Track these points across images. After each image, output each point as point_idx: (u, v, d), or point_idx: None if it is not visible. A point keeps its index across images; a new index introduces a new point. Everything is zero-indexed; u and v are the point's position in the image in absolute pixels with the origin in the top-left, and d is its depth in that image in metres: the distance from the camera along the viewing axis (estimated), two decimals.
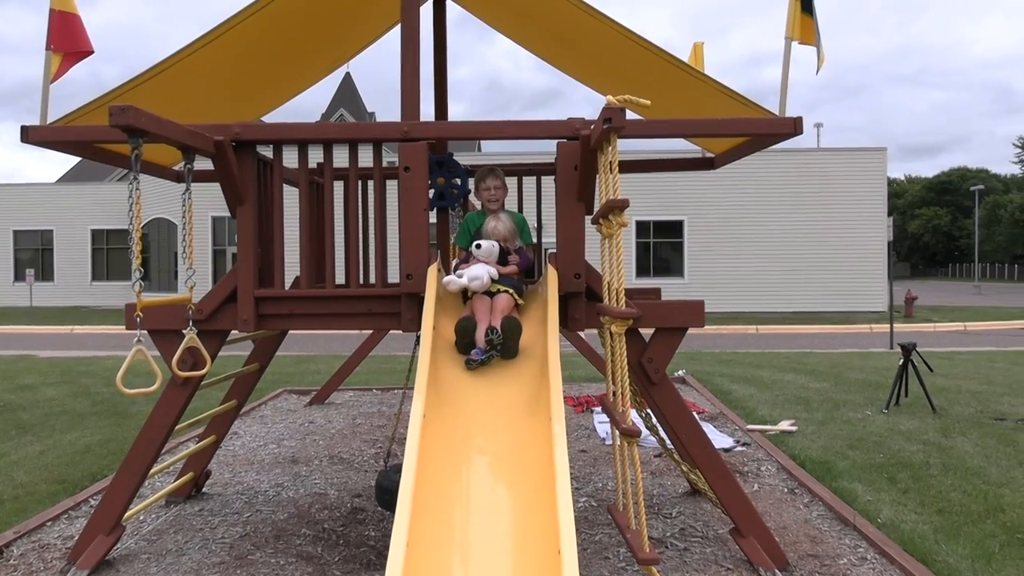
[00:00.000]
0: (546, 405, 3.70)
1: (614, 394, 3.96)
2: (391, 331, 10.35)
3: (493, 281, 4.39)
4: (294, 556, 5.06)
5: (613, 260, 4.08)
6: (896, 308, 19.80)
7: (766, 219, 28.46)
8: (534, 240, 4.97)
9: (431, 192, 5.18)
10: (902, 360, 9.08)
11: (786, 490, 6.32)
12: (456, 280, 4.34)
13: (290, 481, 6.72)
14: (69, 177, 42.56)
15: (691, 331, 5.55)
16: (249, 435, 8.46)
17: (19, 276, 33.65)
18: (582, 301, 4.65)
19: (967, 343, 18.71)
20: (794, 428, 8.16)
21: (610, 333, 4.11)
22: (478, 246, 4.48)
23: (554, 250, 4.67)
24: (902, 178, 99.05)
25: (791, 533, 5.35)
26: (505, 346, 4.14)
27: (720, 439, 7.68)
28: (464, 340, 4.16)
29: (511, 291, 4.42)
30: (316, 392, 10.42)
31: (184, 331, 4.41)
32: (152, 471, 5.22)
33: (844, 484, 6.34)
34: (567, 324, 4.64)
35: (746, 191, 28.31)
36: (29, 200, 34.13)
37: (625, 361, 3.80)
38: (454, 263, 4.87)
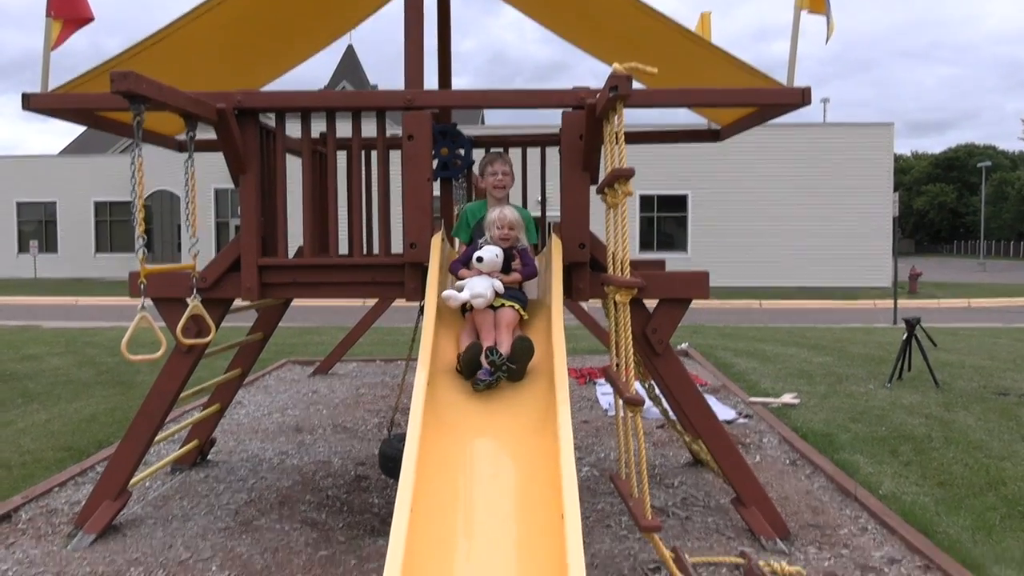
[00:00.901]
0: (550, 379, 3.70)
1: (618, 365, 3.97)
2: (394, 304, 10.41)
3: (497, 295, 4.11)
4: (299, 522, 5.10)
5: (618, 230, 4.06)
6: (900, 284, 19.78)
7: (770, 194, 28.37)
8: (536, 241, 4.75)
9: (435, 162, 5.16)
10: (906, 335, 9.07)
11: (788, 462, 6.34)
12: (457, 296, 4.03)
13: (294, 449, 6.76)
14: (72, 149, 42.48)
15: (694, 305, 5.54)
16: (253, 404, 8.51)
17: (23, 248, 33.68)
18: (586, 271, 4.64)
19: (971, 319, 18.70)
20: (796, 401, 8.18)
21: (614, 303, 4.10)
22: (479, 259, 4.12)
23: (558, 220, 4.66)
24: (909, 154, 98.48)
25: (792, 504, 5.38)
26: (514, 370, 3.85)
27: (723, 411, 7.70)
28: (471, 369, 3.85)
29: (516, 305, 4.13)
30: (320, 363, 10.46)
31: (188, 299, 4.41)
32: (157, 439, 5.25)
33: (846, 456, 6.36)
34: (571, 294, 4.64)
35: (751, 166, 28.18)
36: (32, 172, 34.08)
37: (629, 331, 3.80)
38: (458, 248, 4.69)
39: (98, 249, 34.02)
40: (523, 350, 3.86)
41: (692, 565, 4.21)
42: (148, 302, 4.18)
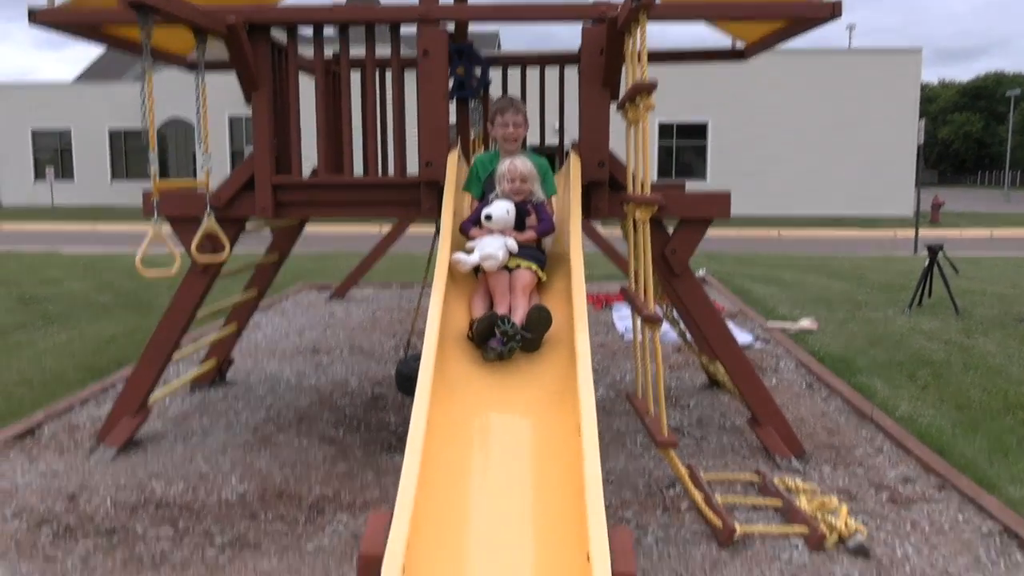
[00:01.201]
0: (570, 347, 3.39)
1: (635, 283, 3.92)
2: (411, 232, 10.36)
3: (511, 255, 3.80)
4: (316, 438, 5.16)
5: (639, 147, 3.97)
6: (922, 214, 19.48)
7: (792, 122, 27.84)
8: (557, 191, 4.35)
9: (450, 82, 5.04)
10: (928, 260, 8.96)
11: (804, 385, 6.33)
12: (467, 259, 3.74)
13: (312, 370, 6.82)
14: (86, 77, 42.14)
15: (712, 234, 5.47)
16: (271, 327, 8.56)
17: (39, 175, 33.71)
18: (605, 191, 4.57)
19: (993, 249, 18.46)
20: (814, 326, 8.14)
21: (633, 222, 4.04)
22: (488, 217, 3.81)
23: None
24: (935, 83, 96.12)
25: (808, 425, 5.38)
26: (529, 340, 3.53)
27: (740, 336, 7.67)
28: (484, 340, 3.55)
29: (533, 266, 3.81)
30: (336, 287, 10.48)
31: (202, 217, 4.37)
32: (175, 358, 5.29)
33: (863, 380, 6.34)
34: (589, 213, 4.58)
35: (773, 94, 27.60)
36: (46, 100, 33.88)
37: (649, 250, 3.74)
38: (470, 204, 4.30)
39: (114, 176, 34.02)
40: (539, 320, 3.53)
41: (707, 482, 4.24)
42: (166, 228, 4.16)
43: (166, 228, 3.97)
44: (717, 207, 4.59)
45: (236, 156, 30.79)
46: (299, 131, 4.76)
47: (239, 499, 4.30)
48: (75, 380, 6.52)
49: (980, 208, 35.58)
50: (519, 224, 3.88)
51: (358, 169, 4.77)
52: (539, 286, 3.85)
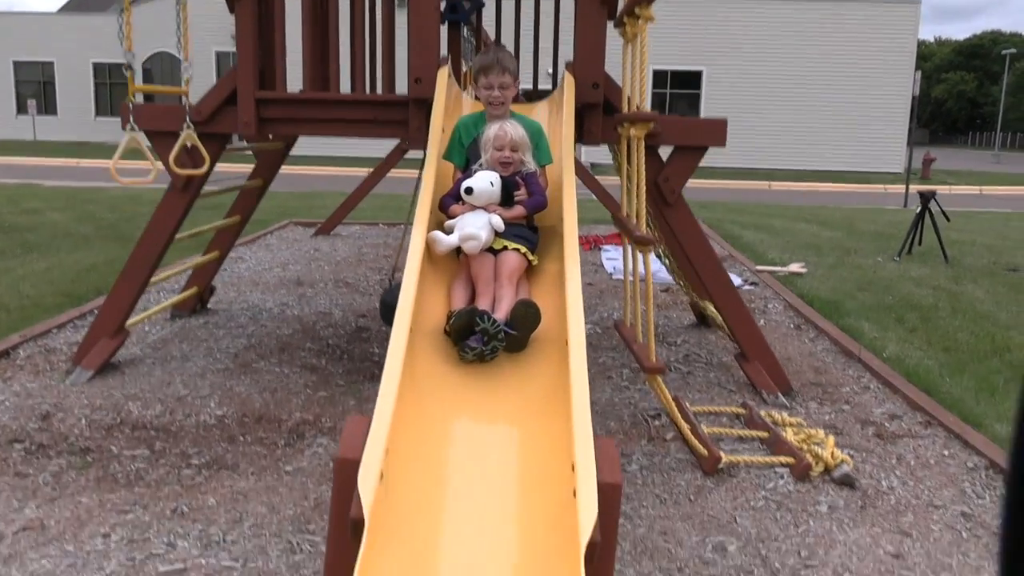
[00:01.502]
0: (561, 288, 3.01)
1: (628, 207, 3.82)
2: (395, 175, 10.17)
3: (497, 235, 3.26)
4: (298, 366, 5.08)
5: (635, 67, 3.84)
6: (913, 170, 19.35)
7: (787, 73, 27.52)
8: (550, 160, 3.69)
9: (442, 4, 4.87)
10: (919, 207, 8.89)
11: (792, 326, 6.29)
12: (444, 239, 3.18)
13: (295, 301, 6.71)
14: (70, 8, 41.11)
15: (703, 184, 5.37)
16: (254, 260, 8.43)
17: (21, 109, 33.04)
18: (599, 114, 4.43)
19: (983, 205, 18.42)
20: (803, 270, 8.08)
21: (627, 142, 3.93)
22: (469, 191, 3.26)
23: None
24: (931, 40, 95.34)
25: (795, 364, 5.34)
26: (514, 339, 2.92)
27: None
28: (462, 337, 2.90)
29: (522, 248, 3.26)
30: (322, 223, 10.32)
31: (181, 129, 4.22)
32: (154, 280, 5.17)
33: (851, 322, 6.30)
34: (582, 138, 4.45)
35: (769, 44, 27.23)
36: (28, 30, 33.04)
37: (643, 169, 3.64)
38: (454, 176, 3.67)
39: (98, 112, 33.40)
40: (526, 317, 2.94)
41: (693, 414, 4.19)
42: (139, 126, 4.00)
43: (144, 136, 3.81)
44: (713, 134, 4.48)
45: None
46: (284, 45, 4.59)
47: (217, 422, 4.22)
48: (53, 306, 6.38)
49: (970, 167, 35.51)
50: (506, 199, 3.33)
51: (345, 88, 4.61)
52: (529, 269, 3.31)
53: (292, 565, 2.89)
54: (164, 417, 4.26)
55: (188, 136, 4.06)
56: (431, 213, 3.33)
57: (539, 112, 4.53)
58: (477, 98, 3.92)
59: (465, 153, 3.66)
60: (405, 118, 4.46)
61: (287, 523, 3.18)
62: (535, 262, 3.32)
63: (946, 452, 4.02)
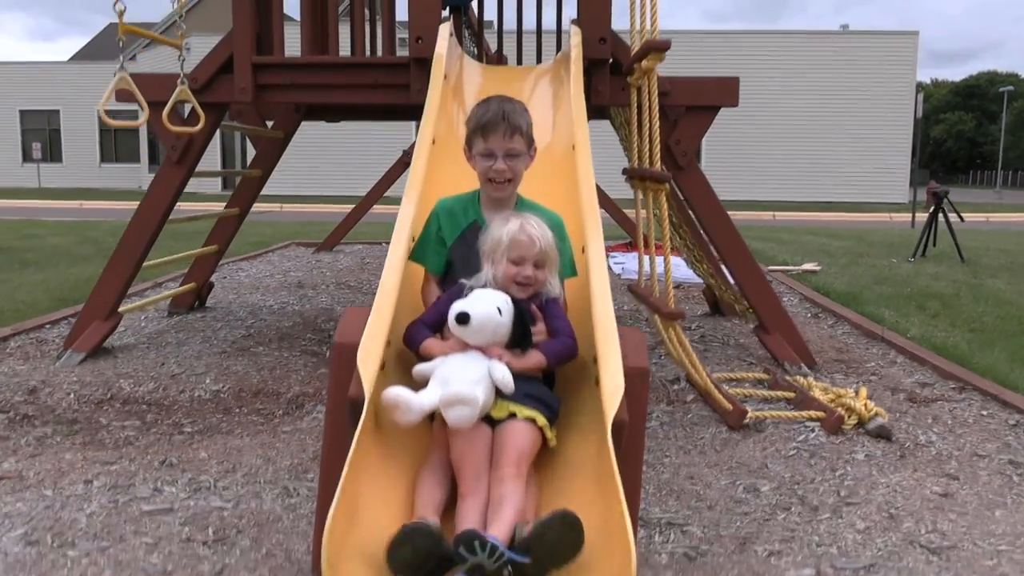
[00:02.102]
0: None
1: (640, 144, 3.66)
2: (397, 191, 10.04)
3: (500, 397, 2.13)
4: (299, 351, 4.87)
5: (645, 13, 3.72)
6: (918, 202, 19.22)
7: (787, 105, 27.61)
8: (572, 272, 2.57)
9: None
10: (933, 207, 8.73)
11: (809, 315, 6.07)
12: (415, 402, 2.02)
13: (296, 301, 6.52)
14: (79, 58, 41.64)
15: None
16: (255, 271, 8.26)
17: (27, 157, 33.24)
18: (606, 72, 4.29)
19: (990, 230, 18.27)
20: (818, 268, 7.89)
21: (637, 92, 3.79)
22: (464, 318, 2.14)
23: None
24: (928, 82, 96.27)
25: (814, 345, 5.09)
26: (527, 572, 1.83)
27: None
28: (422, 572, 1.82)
29: (536, 417, 2.13)
30: (323, 240, 10.17)
31: (177, 84, 4.06)
32: (148, 264, 4.99)
33: (871, 310, 6.08)
34: (589, 97, 4.29)
35: (767, 76, 27.37)
36: (36, 79, 33.39)
37: (656, 107, 3.48)
38: (424, 291, 2.62)
39: (103, 159, 33.59)
40: (559, 543, 1.82)
41: (714, 380, 3.96)
42: (130, 59, 3.85)
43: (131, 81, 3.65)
44: (725, 93, 4.34)
45: None
46: (281, 7, 4.48)
47: (212, 396, 4.01)
48: (47, 309, 6.20)
49: (973, 202, 35.44)
50: (519, 337, 2.22)
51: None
52: (543, 453, 2.16)
53: (288, 507, 2.66)
54: (157, 393, 4.04)
55: (182, 92, 3.92)
56: (410, 228, 2.51)
57: (538, 74, 4.39)
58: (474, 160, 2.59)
59: (447, 254, 2.54)
60: (407, 81, 4.31)
61: (283, 472, 2.96)
62: (554, 442, 2.14)
63: (984, 412, 3.79)
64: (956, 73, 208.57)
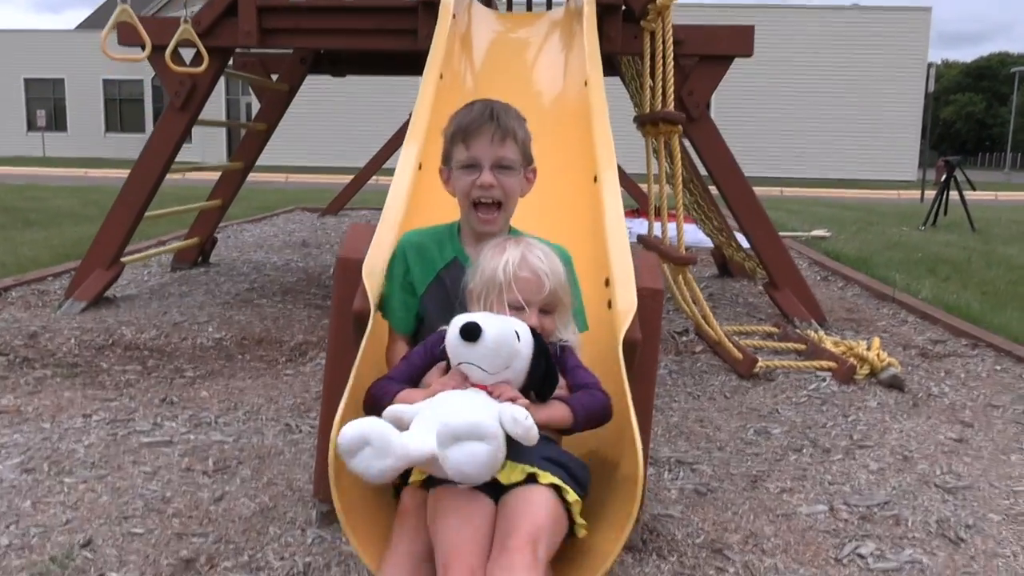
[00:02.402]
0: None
1: (653, 85, 3.58)
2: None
3: (510, 459, 1.49)
4: (302, 304, 4.82)
5: None
6: (926, 181, 19.06)
7: (795, 81, 27.36)
8: (585, 325, 1.89)
9: None
10: (944, 176, 8.62)
11: (819, 278, 6.00)
12: (399, 443, 1.41)
13: (300, 258, 6.47)
14: (85, 26, 41.38)
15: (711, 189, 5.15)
16: (259, 232, 8.19)
17: (32, 126, 33.13)
18: (619, 18, 4.18)
19: (1000, 207, 18.14)
20: (828, 234, 7.80)
21: (651, 38, 3.70)
22: (472, 331, 1.55)
23: None
24: (939, 62, 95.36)
25: (824, 306, 5.02)
26: None
27: (746, 241, 7.33)
28: None
29: (558, 481, 1.52)
30: (328, 204, 10.09)
31: (180, 23, 3.98)
32: (150, 214, 4.93)
33: (881, 273, 6.00)
34: (601, 43, 4.20)
35: (776, 51, 27.10)
36: (40, 48, 33.20)
37: (671, 47, 3.39)
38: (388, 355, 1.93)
39: (108, 129, 33.44)
40: None
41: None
42: None
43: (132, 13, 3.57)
44: (739, 42, 4.24)
45: None
46: None
47: (215, 343, 3.96)
48: (50, 263, 6.15)
49: (983, 181, 35.23)
50: (537, 378, 1.62)
51: None
52: (565, 549, 1.55)
53: (290, 442, 2.62)
54: (159, 340, 3.99)
55: (185, 31, 3.83)
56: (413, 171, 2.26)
57: (551, 20, 4.29)
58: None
59: (417, 306, 1.89)
60: (414, 26, 4.22)
61: (285, 411, 2.92)
62: (584, 532, 1.54)
63: (998, 367, 3.73)
64: (967, 54, 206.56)
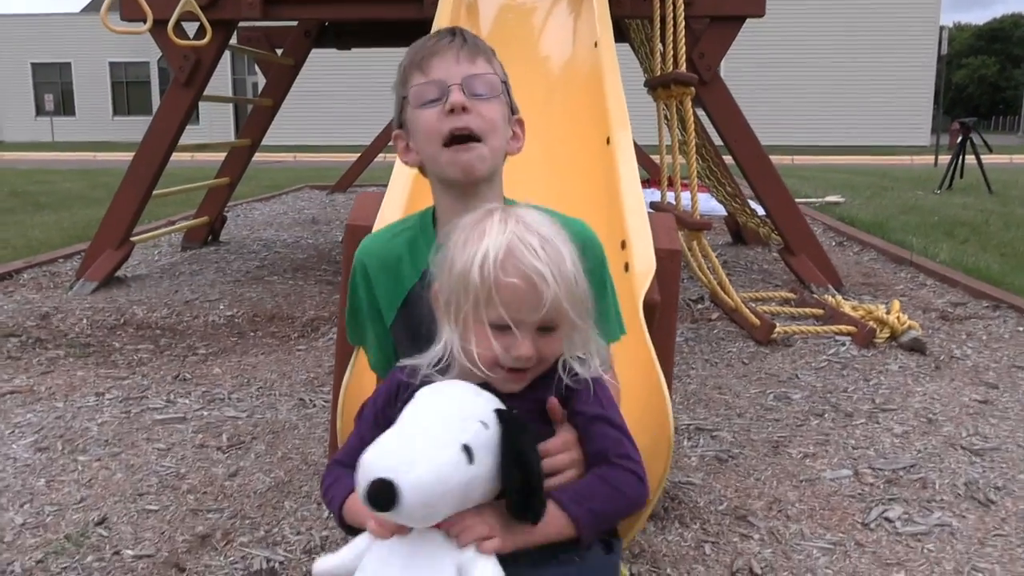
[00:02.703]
0: None
1: (664, 50, 3.50)
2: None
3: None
4: (313, 281, 4.79)
5: None
6: (940, 146, 18.87)
7: (807, 49, 27.03)
8: (622, 330, 1.42)
9: None
10: (960, 138, 8.49)
11: (834, 243, 5.92)
12: None
13: (310, 235, 6.43)
14: (90, 9, 41.22)
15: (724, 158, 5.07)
16: (268, 210, 8.16)
17: (39, 111, 33.13)
18: None
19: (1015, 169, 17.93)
20: (841, 200, 7.71)
21: (660, 1, 3.62)
22: (382, 499, 0.96)
23: None
24: (951, 25, 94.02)
25: (841, 271, 4.95)
26: None
27: (759, 206, 7.25)
28: None
29: None
30: (336, 181, 10.04)
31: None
32: (158, 193, 4.90)
33: (898, 237, 5.93)
34: (610, 6, 4.12)
35: (787, 14, 26.75)
36: (46, 31, 33.10)
37: (681, 5, 3.32)
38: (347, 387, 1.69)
39: (116, 112, 33.40)
40: None
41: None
42: None
43: None
44: (750, 2, 4.14)
45: None
46: None
47: (227, 321, 3.94)
48: (61, 246, 6.14)
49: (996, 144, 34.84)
50: (516, 484, 1.05)
51: None
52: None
53: (304, 416, 2.59)
54: (170, 319, 3.97)
55: (187, 3, 3.77)
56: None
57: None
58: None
59: (389, 324, 1.41)
60: None
61: (299, 385, 2.89)
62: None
63: (1021, 328, 3.66)
64: (979, 17, 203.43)
